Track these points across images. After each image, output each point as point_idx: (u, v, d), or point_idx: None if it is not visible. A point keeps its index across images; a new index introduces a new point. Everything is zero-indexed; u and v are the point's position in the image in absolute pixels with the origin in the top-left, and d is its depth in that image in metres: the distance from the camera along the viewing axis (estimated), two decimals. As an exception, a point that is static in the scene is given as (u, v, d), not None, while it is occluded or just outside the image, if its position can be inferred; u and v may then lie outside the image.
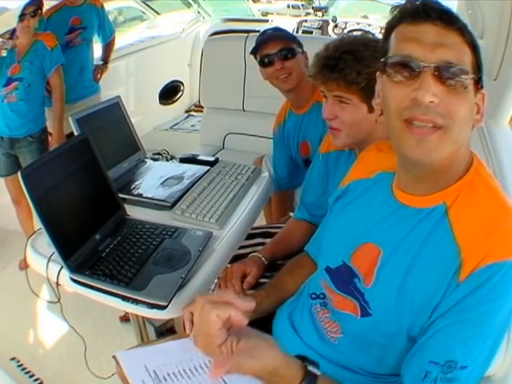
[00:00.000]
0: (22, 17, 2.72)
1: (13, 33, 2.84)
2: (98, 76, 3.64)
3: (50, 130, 3.03)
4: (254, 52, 2.11)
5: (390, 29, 0.93)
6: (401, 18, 0.91)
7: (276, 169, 2.42)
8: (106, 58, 3.72)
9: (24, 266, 2.82)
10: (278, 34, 2.06)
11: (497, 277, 0.83)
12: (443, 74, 0.84)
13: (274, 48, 2.00)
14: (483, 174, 0.97)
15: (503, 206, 0.92)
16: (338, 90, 1.36)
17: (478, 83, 0.90)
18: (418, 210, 0.97)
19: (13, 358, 2.34)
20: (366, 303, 1.01)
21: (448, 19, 0.87)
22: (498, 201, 0.93)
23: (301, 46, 2.07)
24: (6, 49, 2.79)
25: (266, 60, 2.03)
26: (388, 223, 1.01)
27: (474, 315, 0.85)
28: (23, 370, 2.28)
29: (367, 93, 1.30)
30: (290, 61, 1.98)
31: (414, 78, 0.86)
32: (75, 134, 1.60)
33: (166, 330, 2.05)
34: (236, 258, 1.58)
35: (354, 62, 1.31)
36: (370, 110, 1.33)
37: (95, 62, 3.62)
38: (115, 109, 1.87)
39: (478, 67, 0.89)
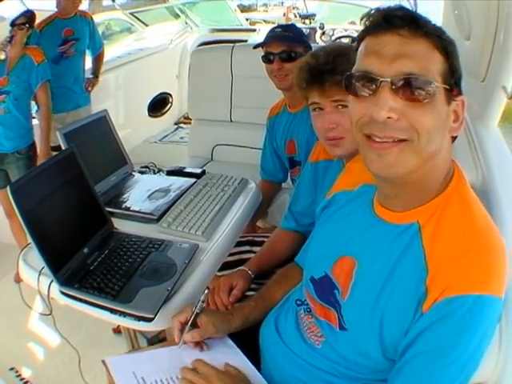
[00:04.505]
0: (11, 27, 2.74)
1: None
2: (90, 88, 3.65)
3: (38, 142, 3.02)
4: (260, 46, 2.14)
5: (359, 40, 0.91)
6: (367, 29, 0.88)
7: (263, 157, 2.44)
8: (96, 71, 3.74)
9: (18, 279, 2.80)
10: (284, 35, 2.08)
11: (461, 311, 0.80)
12: (402, 87, 0.81)
13: (276, 48, 2.04)
14: (463, 190, 0.92)
15: (476, 229, 0.86)
16: (339, 94, 1.32)
17: (453, 90, 0.86)
18: (394, 226, 0.94)
19: (11, 368, 2.35)
20: (342, 316, 1.01)
21: (415, 25, 0.82)
22: (472, 223, 0.87)
23: (308, 48, 2.07)
24: (4, 50, 2.79)
25: (268, 57, 2.07)
26: (365, 237, 1.00)
27: (440, 347, 0.83)
28: (22, 380, 2.30)
29: None
30: (290, 63, 2.00)
31: (373, 93, 0.84)
32: (63, 148, 1.60)
33: (159, 341, 2.06)
34: (224, 266, 1.58)
35: (348, 64, 1.27)
36: None
37: (86, 76, 3.63)
38: (102, 122, 1.88)
39: (452, 73, 0.85)
